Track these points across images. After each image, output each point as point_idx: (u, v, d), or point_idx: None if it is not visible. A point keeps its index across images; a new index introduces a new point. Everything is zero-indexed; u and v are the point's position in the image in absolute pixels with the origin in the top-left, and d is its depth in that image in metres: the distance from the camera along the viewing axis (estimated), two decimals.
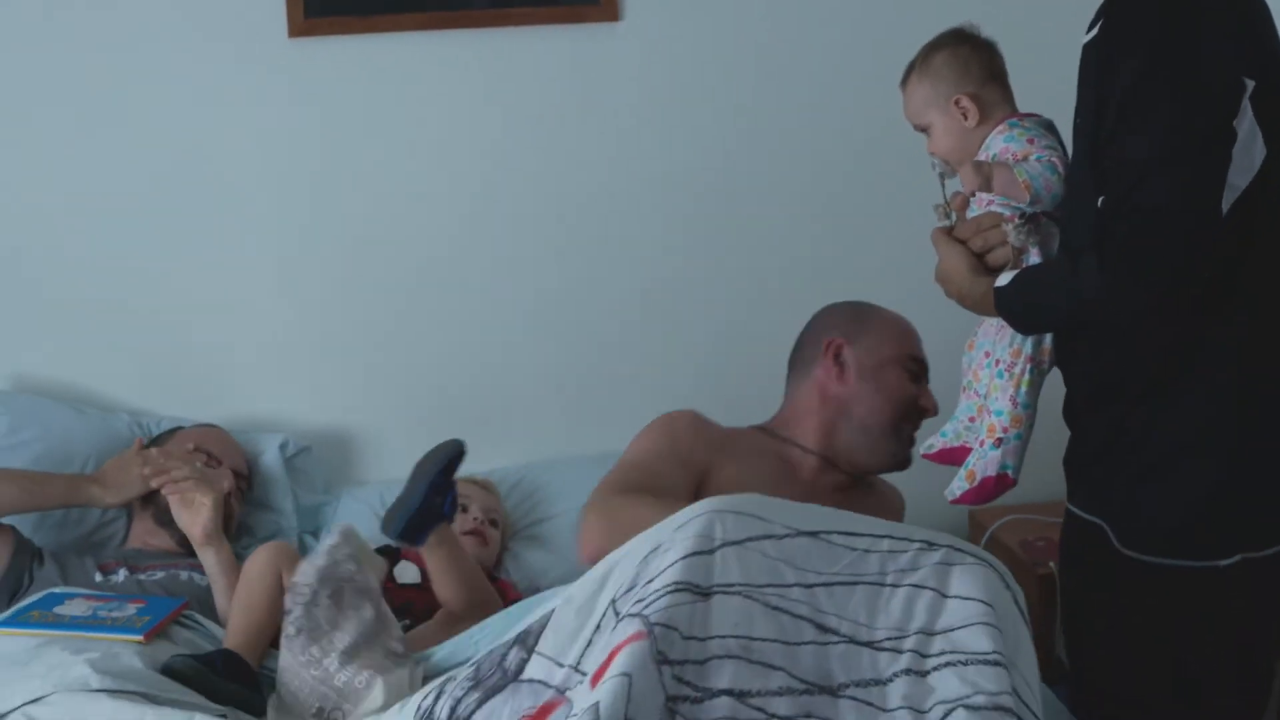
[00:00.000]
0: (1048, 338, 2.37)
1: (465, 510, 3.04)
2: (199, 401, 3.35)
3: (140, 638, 2.50)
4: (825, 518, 2.15)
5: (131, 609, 2.62)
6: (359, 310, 3.40)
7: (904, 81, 2.49)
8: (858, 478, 2.68)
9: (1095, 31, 2.15)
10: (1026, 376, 2.38)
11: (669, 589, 1.96)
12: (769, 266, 3.47)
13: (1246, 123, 2.02)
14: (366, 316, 3.41)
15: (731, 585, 2.00)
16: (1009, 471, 2.41)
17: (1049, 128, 2.40)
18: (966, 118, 2.40)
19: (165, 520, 3.03)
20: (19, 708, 2.29)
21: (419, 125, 3.34)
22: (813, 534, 2.10)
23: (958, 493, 2.44)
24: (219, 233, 3.34)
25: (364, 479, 3.44)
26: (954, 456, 2.52)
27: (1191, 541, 2.18)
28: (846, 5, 3.41)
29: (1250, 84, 2.02)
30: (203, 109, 3.28)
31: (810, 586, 2.04)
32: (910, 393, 2.63)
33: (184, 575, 2.79)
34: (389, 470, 3.39)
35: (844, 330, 2.69)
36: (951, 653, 1.98)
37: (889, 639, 2.01)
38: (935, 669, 1.97)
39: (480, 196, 3.38)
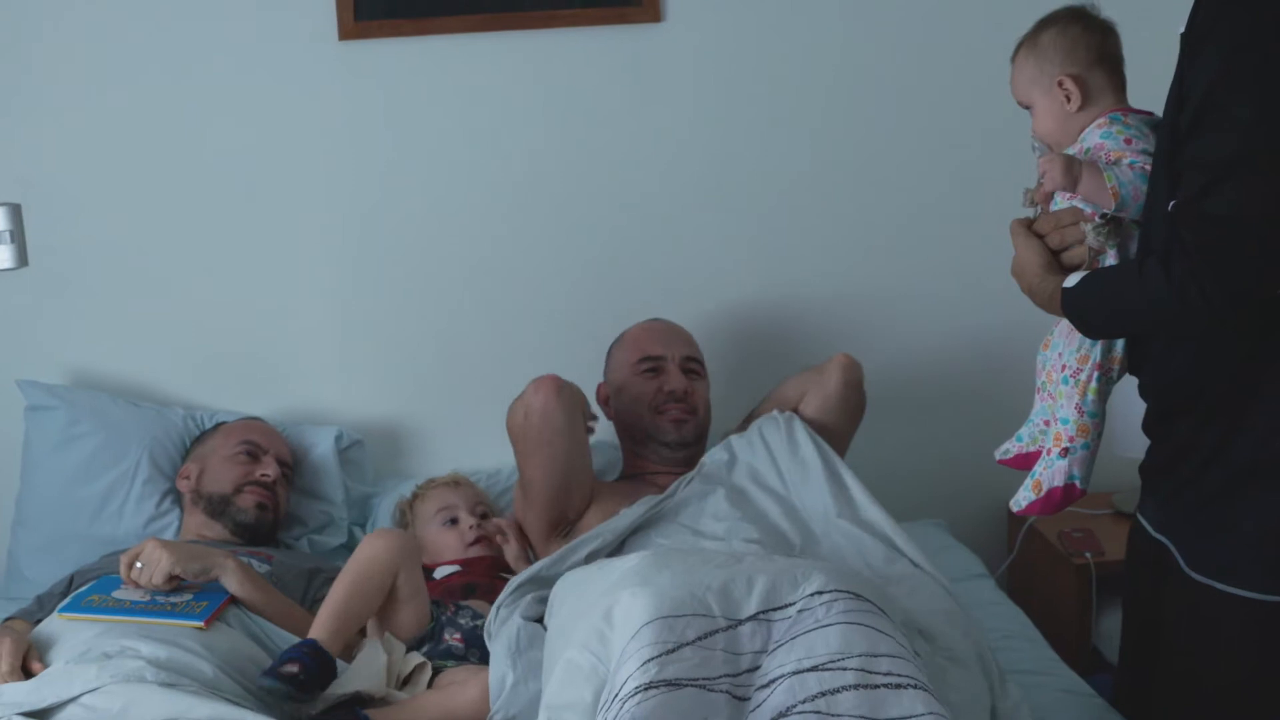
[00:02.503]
0: (1118, 345, 2.29)
1: (456, 522, 3.08)
2: (254, 395, 3.43)
3: (201, 623, 2.57)
4: (763, 594, 2.23)
5: (188, 594, 2.69)
6: (411, 307, 3.46)
7: (1013, 56, 2.39)
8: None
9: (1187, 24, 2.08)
10: (1093, 384, 2.30)
11: (637, 692, 2.06)
12: (814, 264, 3.50)
13: None
14: (418, 313, 3.47)
15: (689, 680, 2.10)
16: (1076, 482, 2.32)
17: (1155, 127, 2.25)
18: (1069, 100, 2.29)
19: (216, 512, 3.12)
20: (77, 697, 2.36)
21: (467, 125, 3.40)
22: (753, 618, 2.20)
23: (1024, 503, 2.37)
24: (273, 231, 3.41)
25: (411, 473, 3.49)
26: (1029, 461, 2.45)
27: (1259, 573, 2.12)
28: (888, 2, 3.43)
29: None
30: (255, 110, 3.35)
31: (756, 670, 2.15)
32: (649, 389, 3.12)
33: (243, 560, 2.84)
34: (436, 465, 3.45)
35: (604, 375, 3.27)
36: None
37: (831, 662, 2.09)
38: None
39: (528, 195, 3.43)
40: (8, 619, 2.84)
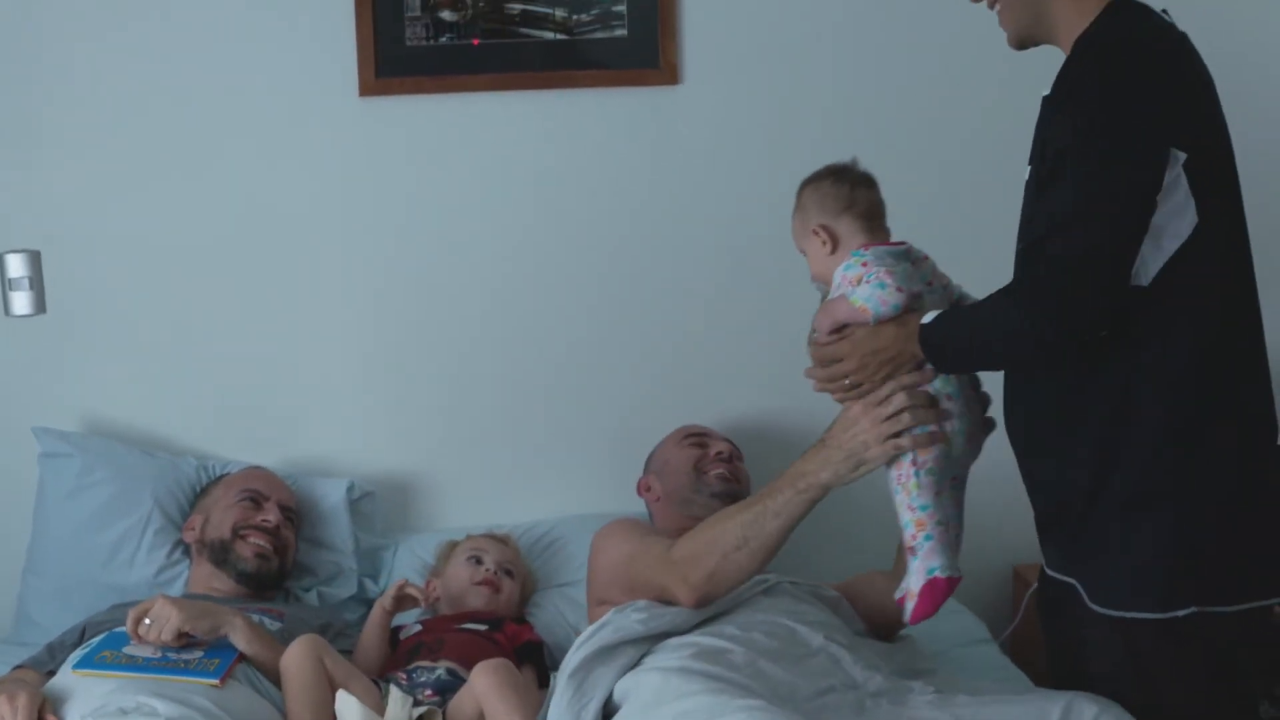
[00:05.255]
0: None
1: (480, 563, 3.13)
2: (267, 446, 3.43)
3: (216, 681, 2.60)
4: None
5: (198, 651, 2.71)
6: (425, 361, 3.48)
7: None
8: None
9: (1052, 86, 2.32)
10: (913, 480, 2.44)
11: None
12: None
13: (1180, 192, 2.16)
14: (432, 367, 3.48)
15: None
16: (937, 573, 2.41)
17: (899, 256, 2.50)
18: (825, 245, 2.56)
19: (219, 560, 3.13)
20: None
21: (485, 182, 3.42)
22: None
23: (909, 614, 2.45)
24: (289, 283, 3.43)
25: (422, 527, 3.51)
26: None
27: (1147, 593, 2.27)
28: (903, 68, 3.46)
29: (1181, 155, 2.15)
30: (274, 164, 3.38)
31: None
32: (692, 455, 3.18)
33: (255, 619, 2.86)
34: (447, 519, 3.49)
35: (645, 473, 3.30)
36: None
37: None
38: None
39: (544, 253, 3.46)
40: (17, 667, 2.86)
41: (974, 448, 2.52)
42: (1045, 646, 2.56)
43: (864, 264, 2.47)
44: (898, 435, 2.44)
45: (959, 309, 2.44)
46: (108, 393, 3.44)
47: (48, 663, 2.84)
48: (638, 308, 3.51)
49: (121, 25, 3.33)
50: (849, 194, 2.58)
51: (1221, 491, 2.26)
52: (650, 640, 2.61)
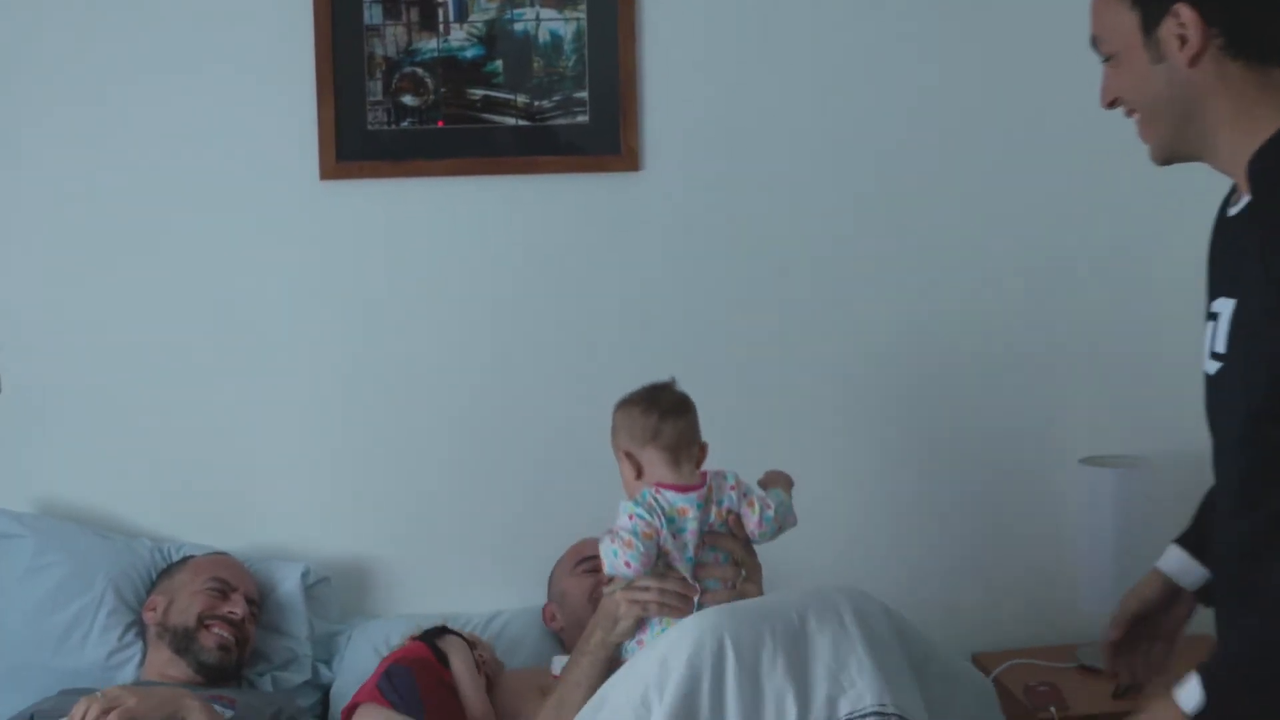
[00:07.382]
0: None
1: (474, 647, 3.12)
2: (222, 529, 3.41)
3: None
4: None
5: None
6: (383, 446, 3.46)
7: None
8: None
9: (1243, 205, 2.06)
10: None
11: None
12: (796, 411, 3.53)
13: None
14: (390, 452, 3.47)
15: None
16: None
17: (684, 504, 2.61)
18: (631, 470, 2.67)
19: (181, 648, 3.09)
20: None
21: (445, 267, 3.43)
22: None
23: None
24: (246, 366, 3.42)
25: (378, 612, 3.48)
26: None
27: None
28: (864, 160, 3.48)
29: None
30: (234, 248, 3.39)
31: None
32: (587, 584, 3.16)
33: None
34: (403, 606, 3.46)
35: (548, 597, 3.35)
36: None
37: None
38: None
39: (504, 338, 3.45)
40: None
41: None
42: None
43: (630, 516, 2.57)
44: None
45: (1226, 658, 2.00)
46: (62, 474, 3.42)
47: None
48: (600, 394, 3.44)
49: (79, 108, 3.34)
50: (655, 425, 2.66)
51: None
52: None
